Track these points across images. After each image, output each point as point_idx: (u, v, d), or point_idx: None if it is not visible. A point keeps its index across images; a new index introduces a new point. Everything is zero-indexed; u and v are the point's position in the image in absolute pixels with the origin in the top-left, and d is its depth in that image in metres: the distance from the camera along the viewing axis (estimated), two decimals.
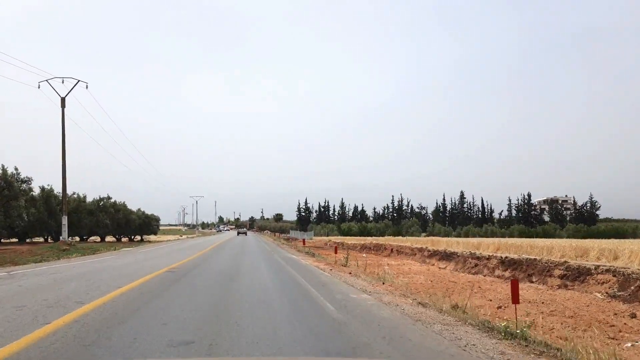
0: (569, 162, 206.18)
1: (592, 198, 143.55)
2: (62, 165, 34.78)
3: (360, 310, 8.10)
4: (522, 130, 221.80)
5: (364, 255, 35.41)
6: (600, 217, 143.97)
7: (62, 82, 35.49)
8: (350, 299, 9.47)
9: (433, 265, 25.91)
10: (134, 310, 7.68)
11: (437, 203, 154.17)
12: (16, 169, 36.04)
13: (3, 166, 35.09)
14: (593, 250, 18.55)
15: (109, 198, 57.28)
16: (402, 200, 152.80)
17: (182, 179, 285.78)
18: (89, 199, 53.45)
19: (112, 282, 11.61)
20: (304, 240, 37.62)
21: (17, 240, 42.51)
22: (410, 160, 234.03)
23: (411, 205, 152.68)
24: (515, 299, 7.05)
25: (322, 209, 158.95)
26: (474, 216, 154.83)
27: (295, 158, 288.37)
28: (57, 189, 44.42)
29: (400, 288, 11.99)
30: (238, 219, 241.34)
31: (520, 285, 10.50)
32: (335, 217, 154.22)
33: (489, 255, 22.37)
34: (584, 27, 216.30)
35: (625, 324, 10.08)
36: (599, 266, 15.12)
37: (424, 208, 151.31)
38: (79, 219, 48.37)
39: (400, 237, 49.49)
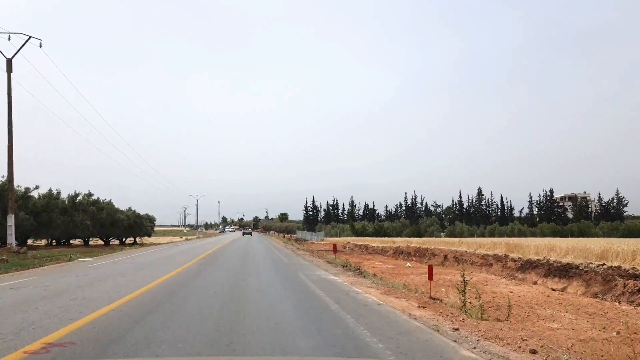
0: (584, 158, 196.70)
1: (618, 194, 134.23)
2: (8, 148, 26.34)
3: None
4: (532, 126, 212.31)
5: (409, 264, 26.64)
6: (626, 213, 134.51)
7: (9, 38, 27.06)
8: None
9: (536, 283, 17.16)
10: None
11: (452, 200, 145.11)
12: None
13: None
14: None
15: (89, 195, 48.80)
16: (415, 198, 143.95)
17: (184, 180, 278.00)
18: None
19: None
20: (334, 245, 28.31)
21: None
22: (420, 156, 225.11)
23: (425, 202, 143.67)
24: None
25: (331, 208, 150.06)
26: (493, 214, 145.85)
27: (300, 157, 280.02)
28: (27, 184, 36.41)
29: None
30: (242, 219, 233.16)
31: None
32: (345, 216, 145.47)
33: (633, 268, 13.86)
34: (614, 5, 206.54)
35: None
36: None
37: (439, 206, 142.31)
38: (49, 219, 39.95)
39: (448, 239, 40.34)
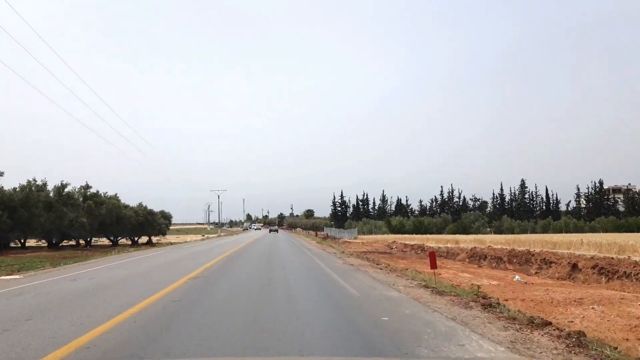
0: (623, 149, 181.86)
1: None
2: None
3: None
4: (570, 118, 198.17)
5: (517, 277, 17.47)
6: None
7: None
8: None
9: None
10: None
11: (493, 194, 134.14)
12: None
13: None
14: None
15: (86, 187, 41.09)
16: (452, 192, 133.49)
17: (209, 177, 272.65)
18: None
19: None
20: (436, 257, 19.16)
21: None
22: (464, 152, 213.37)
23: (463, 196, 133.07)
24: None
25: (360, 203, 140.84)
26: (537, 208, 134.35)
27: (322, 153, 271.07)
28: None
29: None
30: (266, 216, 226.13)
31: None
32: (374, 212, 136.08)
33: None
34: None
35: None
36: None
37: (478, 199, 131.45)
38: (30, 216, 32.24)
39: (539, 237, 30.23)
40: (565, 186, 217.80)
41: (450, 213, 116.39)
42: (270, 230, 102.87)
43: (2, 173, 32.68)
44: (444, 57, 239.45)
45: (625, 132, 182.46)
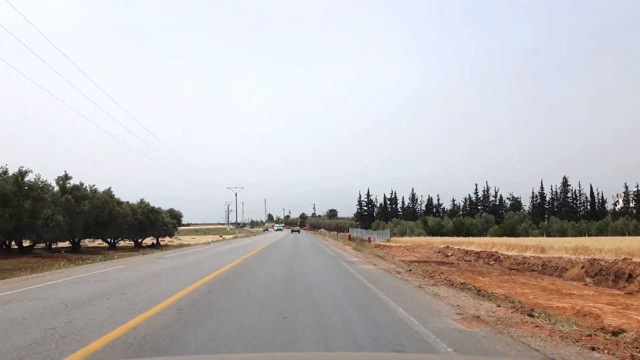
0: None
1: None
2: None
3: None
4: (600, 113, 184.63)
5: None
6: None
7: None
8: None
9: None
10: None
11: (533, 192, 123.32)
12: None
13: None
14: None
15: (65, 178, 33.50)
16: (487, 190, 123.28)
17: (230, 177, 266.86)
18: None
19: None
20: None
21: None
22: (495, 146, 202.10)
23: (500, 195, 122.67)
24: None
25: (388, 202, 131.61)
26: (581, 208, 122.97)
27: (345, 153, 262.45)
28: None
29: None
30: (288, 216, 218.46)
31: None
32: (401, 211, 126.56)
33: None
34: None
35: None
36: None
37: (516, 198, 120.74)
38: None
39: None
40: (608, 184, 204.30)
41: (499, 212, 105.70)
42: (292, 231, 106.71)
43: (5, 171, 26.13)
44: (472, 50, 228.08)
45: None
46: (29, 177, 27.81)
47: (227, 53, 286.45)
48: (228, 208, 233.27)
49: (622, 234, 72.77)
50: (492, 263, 24.78)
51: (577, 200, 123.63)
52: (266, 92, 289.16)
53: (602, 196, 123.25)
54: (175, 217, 58.65)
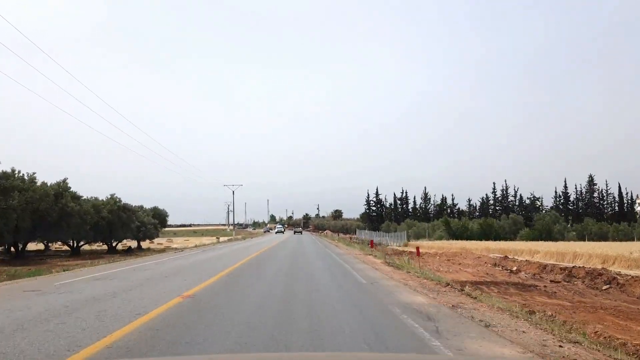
0: None
1: None
2: None
3: None
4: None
5: None
6: None
7: None
8: None
9: None
10: None
11: (555, 192, 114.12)
12: None
13: None
14: None
15: (13, 173, 24.86)
16: (506, 189, 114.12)
17: (232, 177, 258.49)
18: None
19: None
20: None
21: None
22: (511, 143, 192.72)
23: (520, 195, 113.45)
24: None
25: (399, 202, 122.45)
26: (608, 209, 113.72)
27: (349, 153, 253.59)
28: None
29: None
30: (291, 217, 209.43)
31: None
32: (411, 212, 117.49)
33: None
34: None
35: None
36: None
37: (537, 198, 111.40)
38: None
39: None
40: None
41: (528, 213, 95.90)
42: (295, 232, 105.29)
43: None
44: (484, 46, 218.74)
45: None
46: None
47: (227, 53, 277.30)
48: (228, 208, 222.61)
49: None
50: (605, 288, 15.82)
51: (603, 201, 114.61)
52: (266, 92, 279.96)
53: (631, 196, 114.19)
54: (159, 216, 49.93)
